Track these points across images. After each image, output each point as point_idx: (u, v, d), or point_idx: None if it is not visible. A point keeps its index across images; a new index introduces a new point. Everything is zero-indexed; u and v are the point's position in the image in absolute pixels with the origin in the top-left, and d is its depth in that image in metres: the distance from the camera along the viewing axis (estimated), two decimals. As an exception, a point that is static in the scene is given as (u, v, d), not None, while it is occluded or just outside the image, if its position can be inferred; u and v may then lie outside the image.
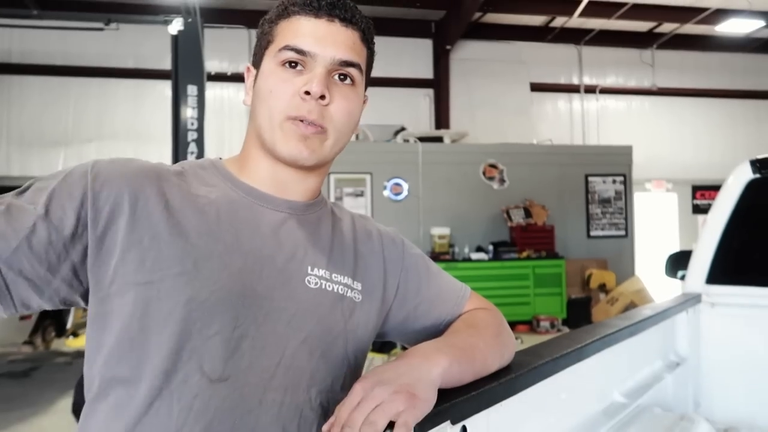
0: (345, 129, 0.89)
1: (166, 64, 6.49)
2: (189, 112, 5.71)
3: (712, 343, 2.31)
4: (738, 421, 2.19)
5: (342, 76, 0.87)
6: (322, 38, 0.85)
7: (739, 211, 2.38)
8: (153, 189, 0.82)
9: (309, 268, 0.88)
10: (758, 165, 2.36)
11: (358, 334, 0.92)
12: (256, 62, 0.92)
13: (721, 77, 11.79)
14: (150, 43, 9.06)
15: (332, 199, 0.95)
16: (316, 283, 0.88)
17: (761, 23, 9.85)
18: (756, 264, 2.39)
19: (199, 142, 5.72)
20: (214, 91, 9.58)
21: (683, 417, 1.68)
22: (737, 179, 2.39)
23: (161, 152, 8.68)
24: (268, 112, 0.85)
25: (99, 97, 9.62)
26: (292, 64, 0.85)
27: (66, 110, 9.56)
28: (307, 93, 0.83)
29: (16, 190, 0.81)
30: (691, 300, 2.28)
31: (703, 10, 9.79)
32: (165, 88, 8.80)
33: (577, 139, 11.14)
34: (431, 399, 0.73)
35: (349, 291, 0.92)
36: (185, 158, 5.63)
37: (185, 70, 5.74)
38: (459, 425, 0.82)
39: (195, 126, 5.71)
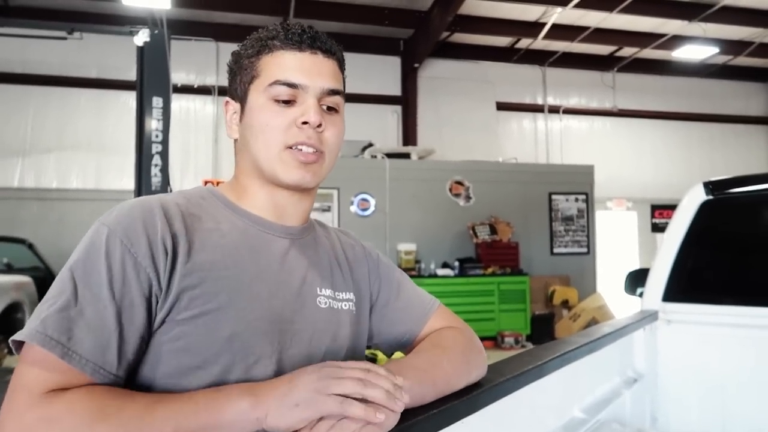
0: (336, 151, 0.95)
1: (131, 75, 6.39)
2: (154, 124, 5.63)
3: (668, 359, 2.38)
4: (692, 436, 2.25)
5: (329, 108, 0.93)
6: (308, 71, 0.90)
7: (693, 231, 2.46)
8: (177, 235, 0.83)
9: (318, 289, 0.95)
10: (711, 187, 2.45)
11: (360, 342, 1.01)
12: (238, 96, 0.95)
13: (678, 100, 12.22)
14: (114, 53, 8.92)
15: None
16: (326, 303, 0.95)
17: (715, 50, 10.27)
18: (709, 283, 2.47)
19: (164, 154, 5.64)
20: (180, 103, 9.46)
21: (640, 432, 1.72)
22: (691, 201, 2.48)
23: (124, 164, 8.53)
24: (265, 145, 0.90)
25: (60, 107, 9.40)
26: (285, 100, 0.89)
27: (25, 119, 9.30)
28: (304, 123, 0.89)
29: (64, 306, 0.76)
30: (648, 317, 2.34)
31: (661, 36, 10.17)
32: (129, 99, 8.68)
33: (542, 158, 11.36)
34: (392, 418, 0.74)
35: (350, 305, 1.00)
36: (149, 171, 5.53)
37: (151, 82, 5.66)
38: None
39: (160, 138, 5.62)
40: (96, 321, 0.74)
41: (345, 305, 0.98)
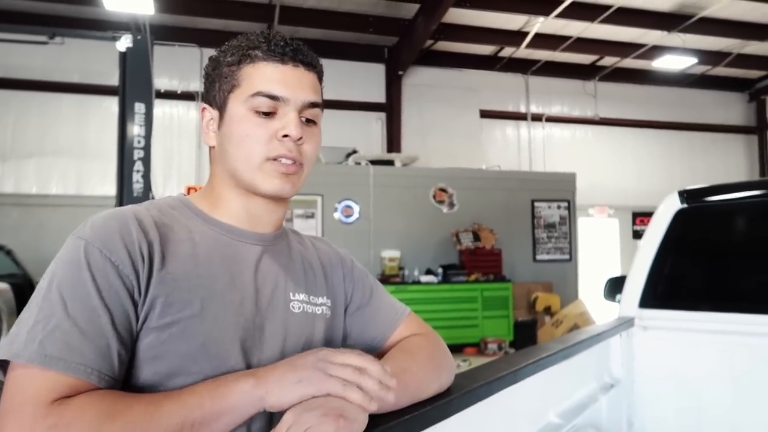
0: (313, 162, 0.97)
1: (113, 80, 6.36)
2: (136, 130, 5.60)
3: (644, 364, 2.41)
4: (668, 440, 2.28)
5: (308, 120, 0.94)
6: (290, 83, 0.92)
7: (669, 239, 2.51)
8: (152, 243, 0.84)
9: (291, 294, 0.96)
10: (685, 196, 2.50)
11: (335, 347, 1.01)
12: (216, 104, 0.95)
13: (658, 109, 12.41)
14: (97, 58, 8.85)
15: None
16: (300, 308, 0.96)
17: (694, 60, 10.46)
18: (684, 290, 2.52)
19: (146, 160, 5.61)
20: (163, 108, 9.41)
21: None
22: (667, 209, 2.53)
23: (106, 170, 8.46)
24: (246, 155, 0.91)
25: (41, 112, 9.30)
26: (266, 111, 0.90)
27: (5, 124, 9.19)
28: (285, 135, 0.90)
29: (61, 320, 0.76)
30: (624, 324, 2.38)
31: (642, 46, 10.33)
32: (111, 104, 8.60)
33: (525, 165, 11.46)
34: (361, 422, 0.76)
35: (325, 309, 1.01)
36: (130, 177, 5.50)
37: (133, 88, 5.64)
38: None
39: (142, 144, 5.60)
40: (92, 329, 0.75)
41: (320, 310, 1.00)
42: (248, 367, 0.86)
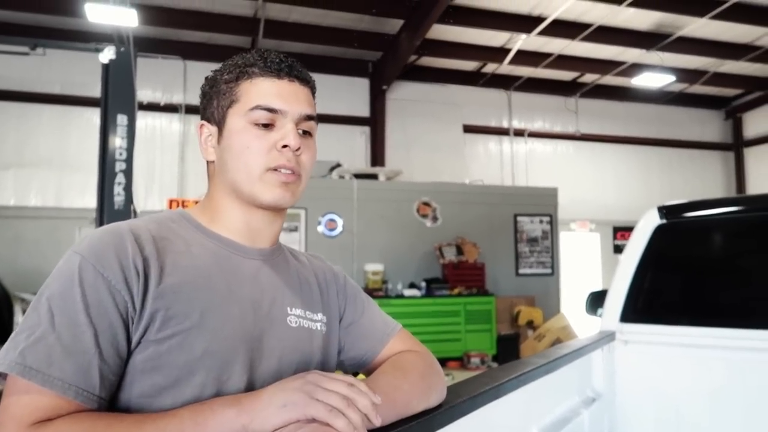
0: (310, 173, 1.01)
1: (95, 91, 6.31)
2: (118, 142, 5.55)
3: (625, 378, 2.43)
4: (649, 454, 2.30)
5: (304, 132, 0.97)
6: (287, 97, 0.95)
7: (649, 254, 2.54)
8: (148, 258, 0.85)
9: (288, 309, 0.98)
10: (664, 212, 2.54)
11: (330, 361, 1.04)
12: (215, 119, 0.98)
13: (638, 125, 12.62)
14: (79, 69, 8.78)
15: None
16: (296, 322, 0.98)
17: (672, 78, 10.68)
18: (663, 304, 2.55)
19: (128, 172, 5.55)
20: (146, 120, 9.35)
21: (597, 451, 1.76)
22: (646, 224, 2.57)
23: (87, 182, 8.36)
24: (246, 166, 0.93)
25: (21, 123, 9.18)
26: (265, 123, 0.93)
27: (-17, 135, 9.06)
28: (284, 146, 0.93)
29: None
30: (606, 338, 2.40)
31: (621, 63, 10.53)
32: (93, 115, 8.55)
33: (507, 180, 11.56)
34: None
35: (320, 325, 1.03)
36: (111, 189, 5.44)
37: (115, 99, 5.59)
38: None
39: (124, 156, 5.54)
40: (75, 345, 0.76)
41: (314, 325, 1.01)
42: (250, 379, 0.87)
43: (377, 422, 0.79)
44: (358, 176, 8.48)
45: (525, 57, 10.11)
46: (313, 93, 1.02)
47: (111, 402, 0.81)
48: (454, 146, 11.24)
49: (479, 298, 7.93)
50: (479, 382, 1.26)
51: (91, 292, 0.79)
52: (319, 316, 1.04)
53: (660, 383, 2.38)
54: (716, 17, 8.65)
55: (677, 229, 2.55)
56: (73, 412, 0.74)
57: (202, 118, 1.01)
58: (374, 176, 8.83)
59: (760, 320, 2.26)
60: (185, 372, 0.82)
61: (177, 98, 9.73)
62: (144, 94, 8.79)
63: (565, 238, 10.80)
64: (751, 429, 2.20)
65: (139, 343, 0.81)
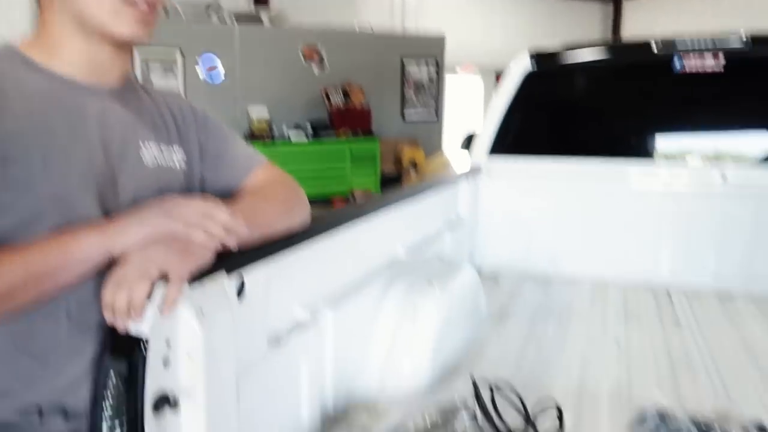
0: (161, 7, 0.93)
1: None
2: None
3: (488, 206, 2.72)
4: (501, 268, 2.67)
5: None
6: None
7: (519, 96, 2.71)
8: None
9: (142, 144, 0.93)
10: (535, 59, 2.68)
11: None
12: None
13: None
14: None
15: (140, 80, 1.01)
16: (153, 162, 0.94)
17: None
18: (527, 140, 2.79)
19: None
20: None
21: (455, 265, 2.02)
22: (517, 69, 2.70)
23: None
24: None
25: None
26: None
27: None
28: None
29: None
30: (472, 171, 2.62)
31: None
32: None
33: (397, 24, 11.27)
34: (205, 257, 0.82)
35: (181, 163, 1.00)
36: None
37: None
38: (236, 276, 0.92)
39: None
40: None
41: (175, 164, 0.99)
42: (106, 217, 0.86)
43: (240, 232, 0.84)
44: (239, 18, 7.87)
45: None
46: None
47: None
48: (342, -16, 10.61)
49: (365, 141, 8.10)
50: (350, 208, 1.37)
51: None
52: (177, 150, 1.00)
53: (517, 208, 2.70)
54: None
55: (546, 75, 2.71)
56: None
57: None
58: (258, 19, 8.24)
59: (605, 150, 2.61)
60: (31, 214, 0.78)
61: None
62: None
63: (449, 81, 11.00)
64: (587, 240, 2.62)
65: None
